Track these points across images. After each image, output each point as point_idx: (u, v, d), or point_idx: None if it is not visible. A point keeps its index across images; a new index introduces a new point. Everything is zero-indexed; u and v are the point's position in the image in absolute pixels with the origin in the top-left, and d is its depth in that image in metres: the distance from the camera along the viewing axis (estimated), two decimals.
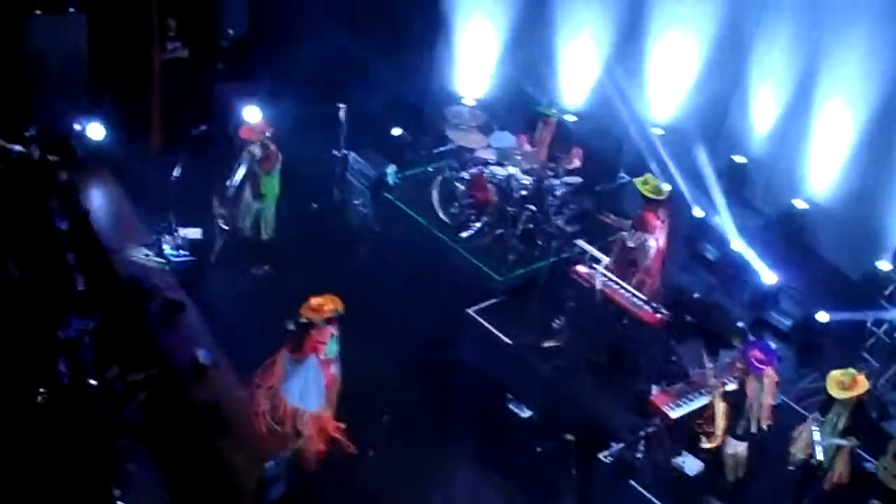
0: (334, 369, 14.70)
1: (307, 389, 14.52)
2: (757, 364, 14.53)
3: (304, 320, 14.30)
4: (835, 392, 14.29)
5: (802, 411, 16.32)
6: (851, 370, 14.57)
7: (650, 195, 17.37)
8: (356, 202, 19.51)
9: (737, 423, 14.83)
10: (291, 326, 14.34)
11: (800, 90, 20.18)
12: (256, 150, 17.66)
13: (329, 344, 14.46)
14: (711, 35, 21.01)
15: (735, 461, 15.09)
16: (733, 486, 15.20)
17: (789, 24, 20.12)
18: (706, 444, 15.19)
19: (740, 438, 14.93)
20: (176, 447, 15.68)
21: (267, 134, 17.76)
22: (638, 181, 17.59)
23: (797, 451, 14.65)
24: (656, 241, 17.44)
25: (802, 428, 14.64)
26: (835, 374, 14.51)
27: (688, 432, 15.61)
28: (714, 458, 15.31)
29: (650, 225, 17.38)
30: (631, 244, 17.40)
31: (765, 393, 14.69)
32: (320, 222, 19.72)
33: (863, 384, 14.39)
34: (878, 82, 19.02)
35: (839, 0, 19.18)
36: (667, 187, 17.83)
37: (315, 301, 14.43)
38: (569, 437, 15.95)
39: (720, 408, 14.95)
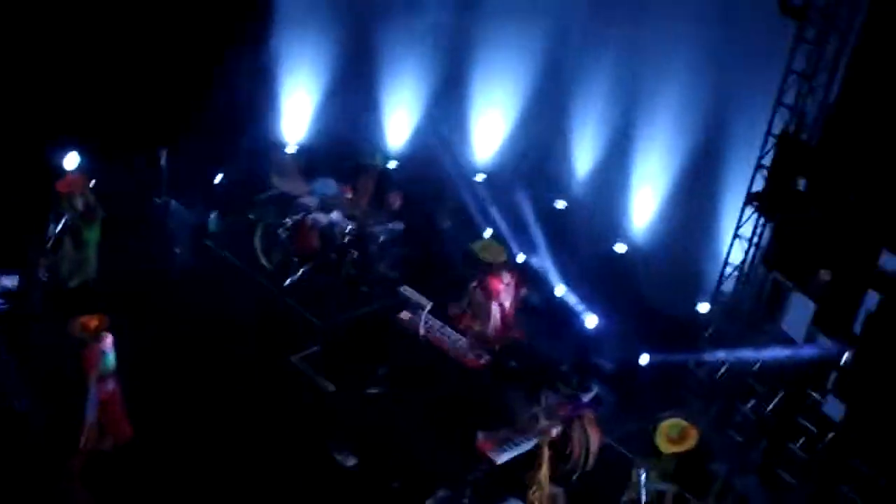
0: (111, 385, 14.86)
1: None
2: (574, 413, 14.67)
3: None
4: (663, 446, 14.31)
5: (627, 453, 16.40)
6: (681, 422, 14.62)
7: (489, 260, 17.45)
8: (176, 249, 19.13)
9: (560, 468, 14.87)
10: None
11: (618, 138, 20.43)
12: (77, 203, 17.31)
13: (103, 360, 14.74)
14: (532, 82, 21.16)
15: None
16: None
17: (608, 75, 20.37)
18: (533, 495, 15.21)
19: (558, 483, 14.97)
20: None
21: (87, 185, 17.42)
22: (476, 247, 17.68)
23: (627, 496, 14.66)
24: (501, 305, 17.50)
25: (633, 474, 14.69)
26: (664, 426, 14.53)
27: (514, 476, 15.56)
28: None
29: (494, 289, 17.44)
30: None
31: (590, 438, 14.77)
32: (141, 270, 19.29)
33: (692, 438, 14.45)
34: (692, 132, 19.33)
35: (654, 54, 19.45)
36: (500, 251, 17.92)
37: (82, 320, 14.86)
38: (394, 484, 15.84)
39: (545, 454, 14.94)
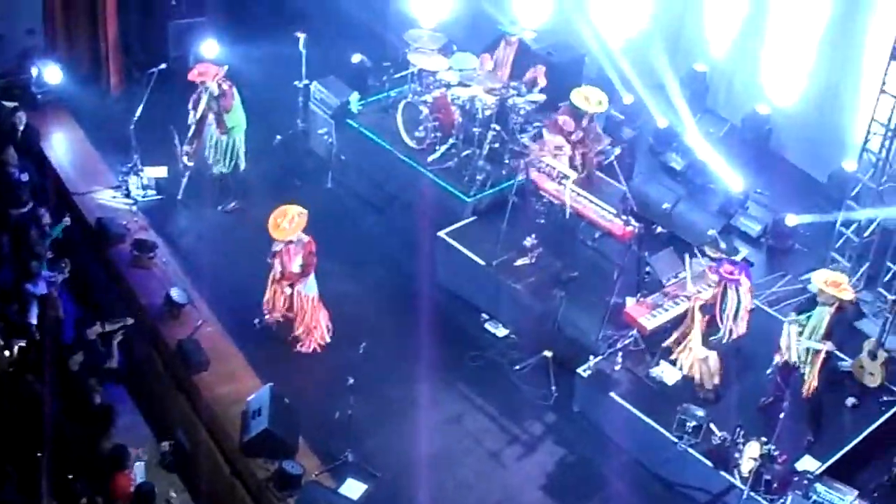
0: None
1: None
2: (730, 277, 14.75)
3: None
4: (820, 285, 14.45)
5: (777, 315, 16.52)
6: (841, 274, 14.81)
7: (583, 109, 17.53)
8: (320, 132, 19.50)
9: (712, 333, 15.05)
10: None
11: None
12: (214, 88, 17.72)
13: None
14: None
15: (707, 369, 15.30)
16: (711, 393, 15.40)
17: None
18: (676, 357, 15.50)
19: (711, 347, 15.16)
20: (157, 386, 15.82)
21: (220, 74, 17.79)
22: (575, 94, 17.65)
23: (781, 354, 14.83)
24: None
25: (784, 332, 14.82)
26: (820, 273, 14.75)
27: (664, 343, 15.79)
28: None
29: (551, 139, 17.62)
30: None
31: (742, 302, 14.88)
32: (286, 154, 19.73)
33: (849, 290, 14.65)
34: None
35: None
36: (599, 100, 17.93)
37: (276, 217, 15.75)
38: (546, 353, 16.16)
39: (698, 317, 15.13)
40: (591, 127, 17.96)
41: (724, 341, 15.05)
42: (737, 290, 14.86)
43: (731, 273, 14.83)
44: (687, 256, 16.11)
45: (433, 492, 14.71)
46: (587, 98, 17.77)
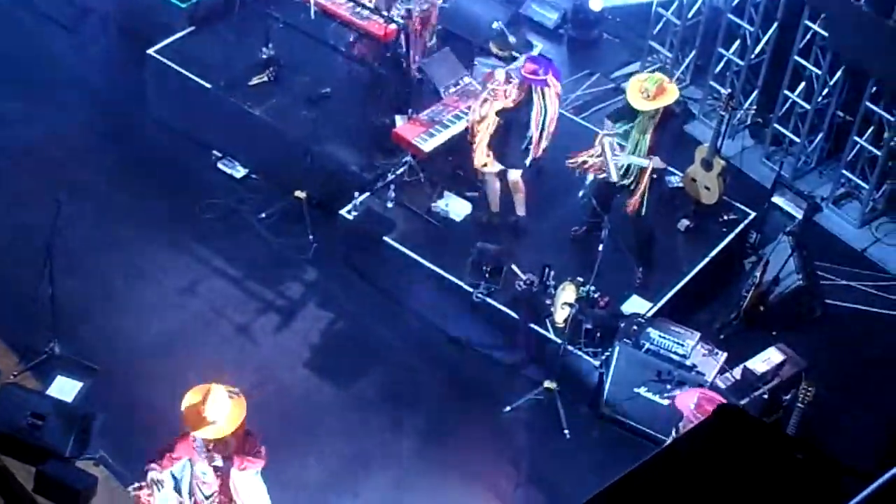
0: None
1: None
2: (534, 77, 14.58)
3: None
4: (638, 104, 14.43)
5: (586, 124, 16.73)
6: (658, 75, 14.74)
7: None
8: None
9: (510, 146, 15.03)
10: None
11: None
12: None
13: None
14: None
15: (497, 190, 15.38)
16: (497, 217, 15.63)
17: None
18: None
19: (513, 165, 15.18)
20: None
21: None
22: None
23: (589, 167, 14.96)
24: None
25: (597, 144, 14.87)
26: (635, 80, 14.72)
27: (447, 167, 15.88)
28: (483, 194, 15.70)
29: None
30: None
31: (549, 109, 14.75)
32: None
33: (672, 92, 14.54)
34: None
35: None
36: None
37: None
38: (299, 194, 16.17)
39: (492, 118, 14.95)
40: None
41: (531, 159, 15.05)
42: (543, 94, 14.81)
43: (535, 73, 14.66)
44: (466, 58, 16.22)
45: (170, 381, 14.32)
46: None
